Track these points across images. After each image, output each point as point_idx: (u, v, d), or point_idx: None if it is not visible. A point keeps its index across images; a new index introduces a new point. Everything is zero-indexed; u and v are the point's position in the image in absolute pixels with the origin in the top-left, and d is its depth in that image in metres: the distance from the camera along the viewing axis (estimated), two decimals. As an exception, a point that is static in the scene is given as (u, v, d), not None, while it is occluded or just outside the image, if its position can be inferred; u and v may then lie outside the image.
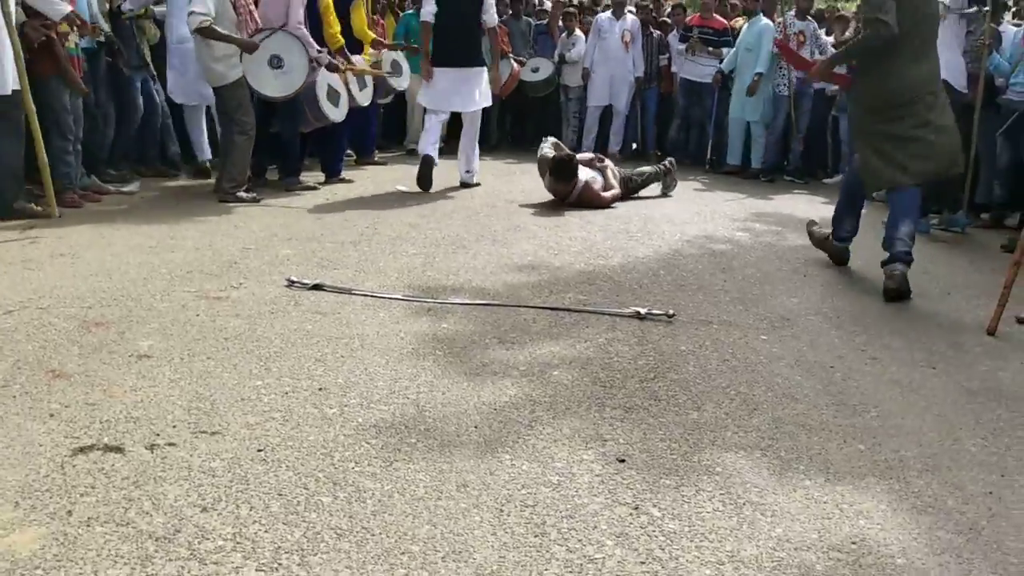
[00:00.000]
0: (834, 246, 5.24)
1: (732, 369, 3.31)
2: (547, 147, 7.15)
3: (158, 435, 2.52)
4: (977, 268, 5.41)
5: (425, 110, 7.67)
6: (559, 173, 6.68)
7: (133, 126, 6.91)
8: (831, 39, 8.99)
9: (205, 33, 5.94)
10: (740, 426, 2.78)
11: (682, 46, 9.78)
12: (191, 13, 5.92)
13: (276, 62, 6.26)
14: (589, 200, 6.73)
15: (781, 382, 3.20)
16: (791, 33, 8.77)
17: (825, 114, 8.99)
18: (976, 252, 5.92)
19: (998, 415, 2.99)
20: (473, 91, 7.28)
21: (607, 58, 9.84)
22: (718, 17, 9.88)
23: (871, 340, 3.78)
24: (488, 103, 7.60)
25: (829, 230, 5.26)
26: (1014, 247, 5.53)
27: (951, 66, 6.19)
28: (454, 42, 7.08)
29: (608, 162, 7.40)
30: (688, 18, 10.17)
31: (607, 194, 6.90)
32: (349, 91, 7.11)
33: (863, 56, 4.81)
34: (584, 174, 6.79)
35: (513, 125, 11.10)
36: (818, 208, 7.20)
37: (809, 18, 8.96)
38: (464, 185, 7.45)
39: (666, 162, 7.67)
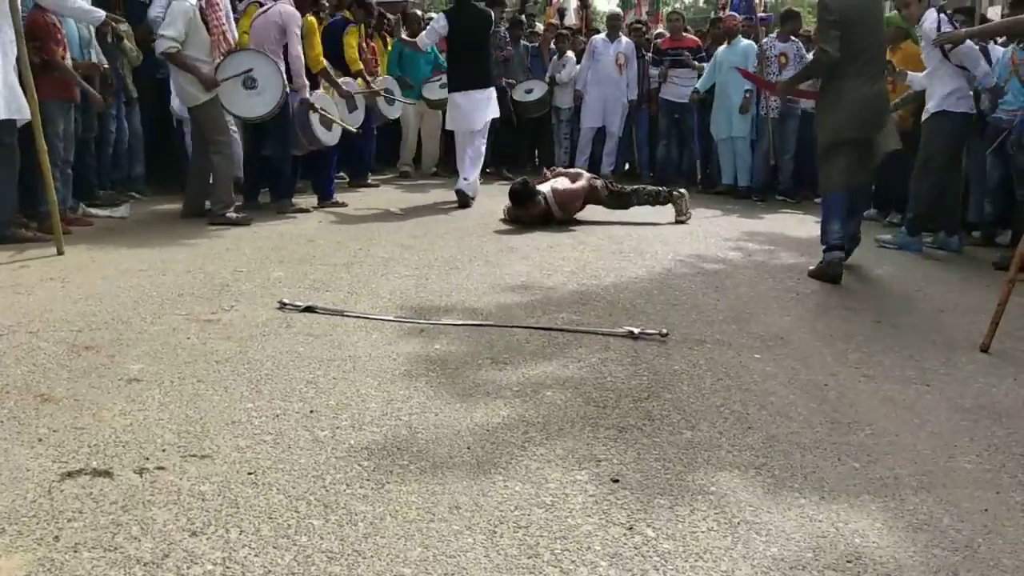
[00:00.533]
0: (821, 265, 5.29)
1: (726, 388, 3.30)
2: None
3: (147, 459, 2.49)
4: (970, 286, 5.41)
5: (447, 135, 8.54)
6: (519, 199, 6.66)
7: (107, 148, 6.91)
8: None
9: (171, 59, 6.02)
10: (734, 445, 2.77)
11: (655, 71, 9.87)
12: (160, 36, 5.95)
13: (250, 83, 6.27)
14: (569, 200, 6.74)
15: (775, 400, 3.19)
16: (772, 55, 8.84)
17: (815, 135, 9.01)
18: (969, 270, 5.93)
19: (992, 432, 2.98)
20: (484, 110, 7.73)
21: (600, 80, 9.90)
22: (689, 36, 9.98)
23: (864, 358, 3.77)
24: (496, 114, 8.06)
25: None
26: (1006, 264, 5.56)
27: (951, 93, 6.22)
28: (468, 67, 7.55)
29: (558, 169, 7.45)
30: (660, 41, 10.24)
31: (580, 182, 6.91)
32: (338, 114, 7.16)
33: (819, 78, 5.62)
34: (545, 187, 6.78)
35: (507, 146, 11.12)
36: (809, 227, 7.19)
37: (792, 39, 9.02)
38: (460, 194, 7.57)
39: (676, 190, 7.41)
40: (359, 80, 7.89)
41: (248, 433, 2.70)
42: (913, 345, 4.02)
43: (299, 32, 6.54)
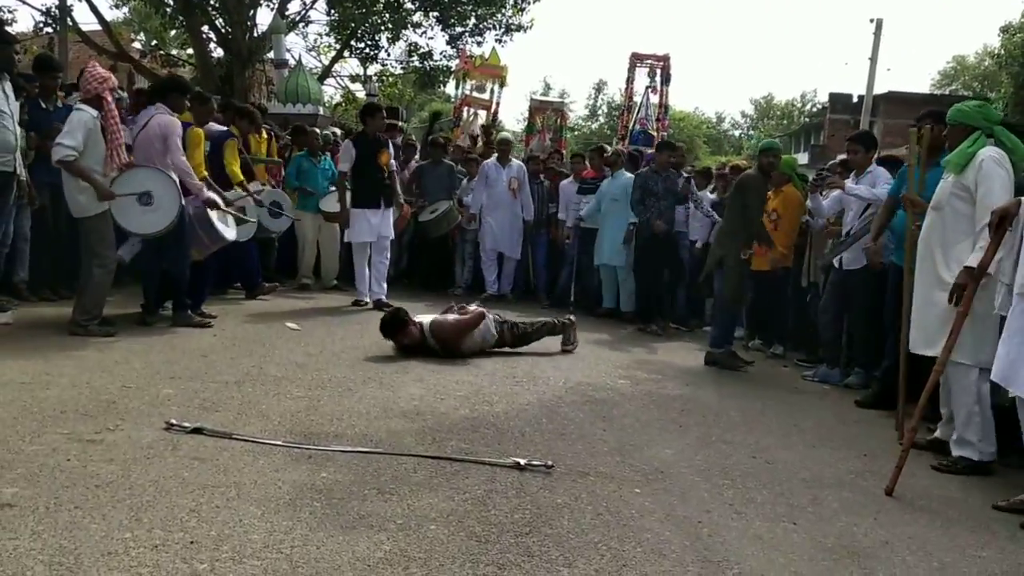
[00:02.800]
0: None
1: (605, 524, 3.41)
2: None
3: (15, 593, 2.44)
4: (841, 421, 5.71)
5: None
6: (387, 330, 6.52)
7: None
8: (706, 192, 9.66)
9: (67, 167, 5.98)
10: (609, 584, 2.86)
11: (579, 195, 10.22)
12: (58, 144, 5.93)
13: (145, 199, 6.28)
14: (450, 336, 6.48)
15: (651, 537, 3.31)
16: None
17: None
18: (842, 405, 6.24)
19: (851, 572, 3.16)
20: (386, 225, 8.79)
21: (496, 204, 10.18)
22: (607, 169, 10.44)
23: (738, 494, 3.95)
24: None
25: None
26: (869, 402, 5.96)
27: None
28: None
29: (470, 308, 7.02)
30: (584, 172, 10.62)
31: (465, 316, 6.64)
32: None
33: None
34: (425, 318, 6.60)
35: (409, 264, 11.29)
36: (697, 356, 7.51)
37: (683, 173, 9.57)
38: (378, 304, 8.41)
39: (566, 318, 7.48)
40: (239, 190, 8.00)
41: (124, 565, 2.67)
42: (784, 481, 4.22)
43: (179, 141, 6.57)
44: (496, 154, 10.63)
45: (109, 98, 6.16)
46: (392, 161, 8.74)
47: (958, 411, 4.67)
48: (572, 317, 7.63)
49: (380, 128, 8.86)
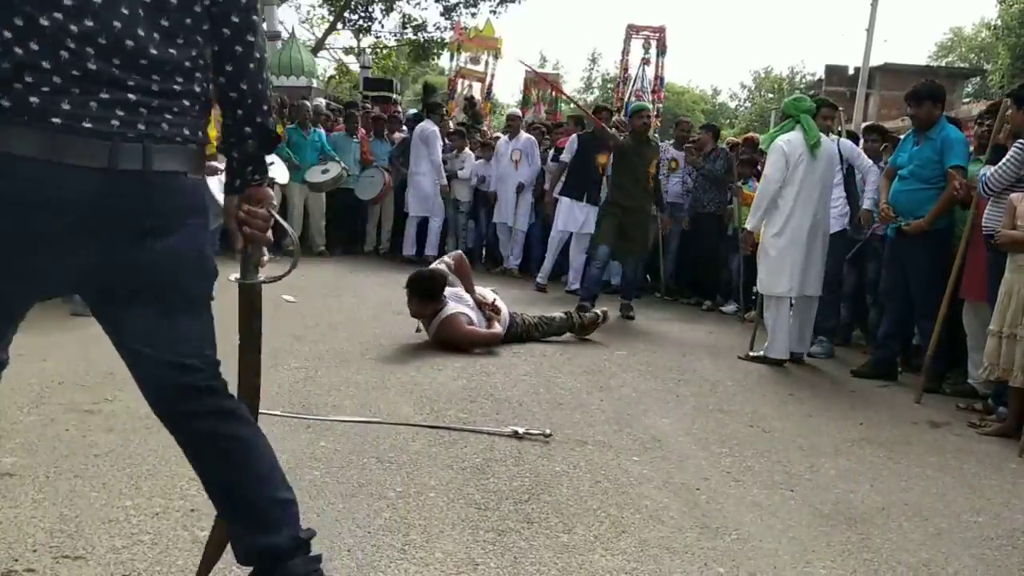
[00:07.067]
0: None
1: (603, 491, 3.42)
2: (447, 262, 6.26)
3: (16, 560, 2.44)
4: (837, 391, 5.73)
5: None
6: (416, 288, 5.77)
7: None
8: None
9: None
10: (608, 549, 2.88)
11: (554, 164, 10.18)
12: None
13: None
14: (448, 336, 5.76)
15: (649, 504, 3.33)
16: (665, 159, 9.29)
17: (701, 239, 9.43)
18: (838, 375, 6.26)
19: (847, 537, 3.17)
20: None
21: (501, 177, 10.18)
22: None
23: (736, 462, 3.97)
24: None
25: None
26: (864, 373, 6.01)
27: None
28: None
29: (504, 312, 6.21)
30: (559, 141, 10.55)
31: (477, 334, 5.88)
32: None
33: None
34: (454, 307, 5.87)
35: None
36: (691, 327, 7.53)
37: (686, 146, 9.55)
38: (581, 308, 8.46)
39: (599, 312, 6.72)
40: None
41: (125, 533, 2.68)
42: (781, 449, 4.24)
43: None
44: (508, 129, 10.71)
45: None
46: (610, 165, 8.37)
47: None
48: (604, 312, 6.81)
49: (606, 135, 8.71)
